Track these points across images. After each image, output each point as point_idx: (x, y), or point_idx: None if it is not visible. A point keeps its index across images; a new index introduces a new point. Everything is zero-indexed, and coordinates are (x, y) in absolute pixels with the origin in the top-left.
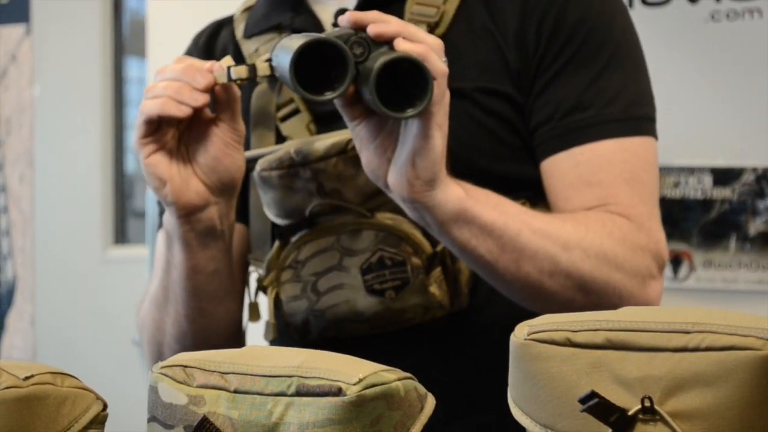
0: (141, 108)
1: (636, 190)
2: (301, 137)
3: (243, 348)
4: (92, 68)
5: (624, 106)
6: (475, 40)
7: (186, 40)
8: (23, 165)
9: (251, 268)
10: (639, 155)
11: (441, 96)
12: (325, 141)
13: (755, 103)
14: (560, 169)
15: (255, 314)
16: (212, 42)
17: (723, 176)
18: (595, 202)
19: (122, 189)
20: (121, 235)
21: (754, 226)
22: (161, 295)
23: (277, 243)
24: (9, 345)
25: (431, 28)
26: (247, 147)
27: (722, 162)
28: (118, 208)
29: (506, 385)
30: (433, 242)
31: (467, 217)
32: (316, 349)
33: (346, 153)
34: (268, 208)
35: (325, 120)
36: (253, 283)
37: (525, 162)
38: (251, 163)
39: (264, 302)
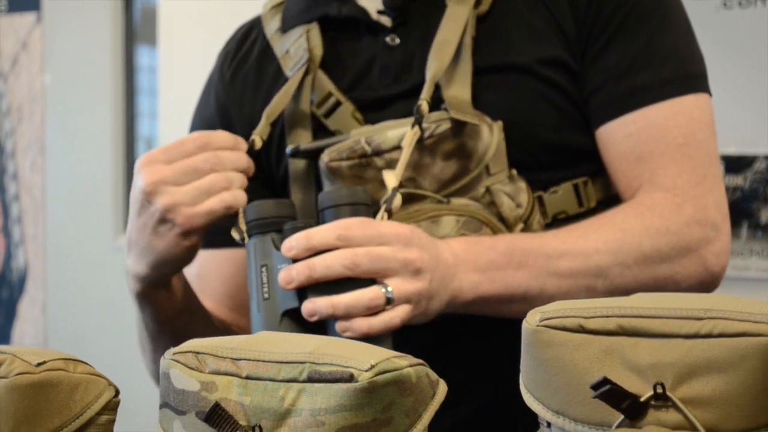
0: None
1: (686, 154)
2: (350, 128)
3: (255, 334)
4: (103, 56)
5: (676, 66)
6: (528, 11)
7: (197, 28)
8: (34, 153)
9: None
10: (693, 115)
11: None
12: (396, 130)
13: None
14: (613, 139)
15: None
16: (241, 46)
17: (735, 164)
18: (644, 176)
19: (133, 177)
20: None
21: (766, 214)
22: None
23: None
24: (20, 332)
25: (474, 5)
26: (281, 149)
27: (734, 150)
28: (128, 195)
29: (512, 364)
30: (507, 225)
31: (485, 300)
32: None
33: (422, 142)
34: None
35: (368, 107)
36: None
37: (585, 133)
38: (299, 156)
39: None
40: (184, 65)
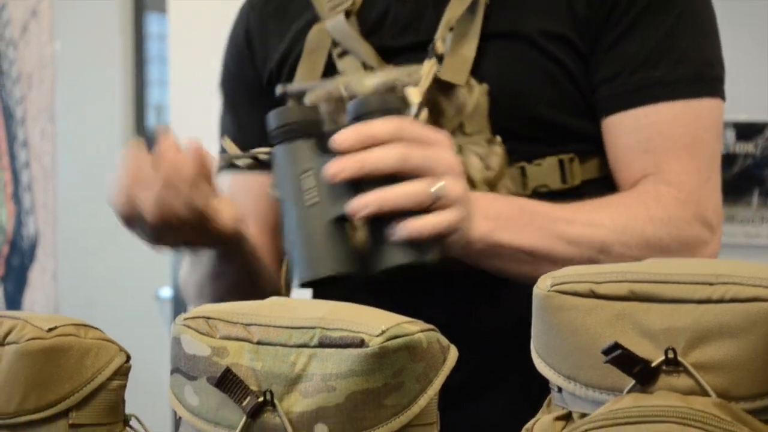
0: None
1: (693, 155)
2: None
3: (266, 299)
4: (113, 24)
5: (695, 67)
6: None
7: None
8: (44, 120)
9: None
10: (703, 117)
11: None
12: (374, 78)
13: None
14: (622, 129)
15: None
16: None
17: (746, 131)
18: (649, 169)
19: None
20: None
21: None
22: (207, 287)
23: None
24: (31, 300)
25: None
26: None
27: (745, 117)
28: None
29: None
30: (473, 185)
31: (495, 251)
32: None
33: (395, 91)
34: None
35: (383, 55)
36: None
37: (580, 114)
38: (286, 97)
39: None
40: (194, 32)
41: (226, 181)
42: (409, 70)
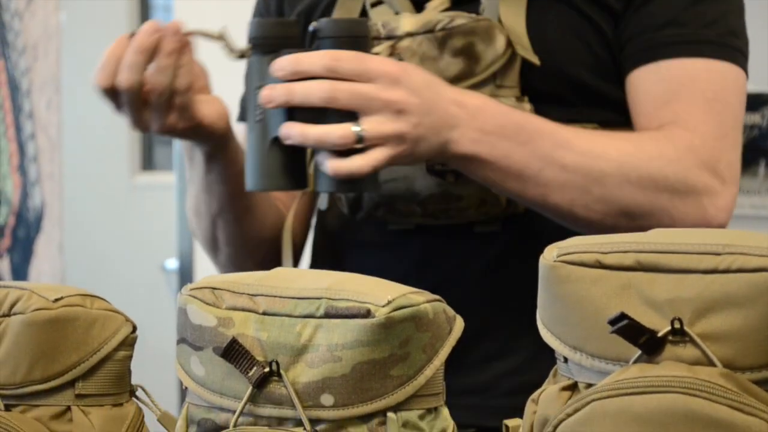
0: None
1: (714, 108)
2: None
3: (272, 270)
4: None
5: (721, 32)
6: None
7: None
8: (50, 91)
9: None
10: (728, 78)
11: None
12: (414, 19)
13: None
14: (645, 82)
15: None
16: None
17: (752, 102)
18: (669, 118)
19: None
20: (148, 162)
21: None
22: (204, 195)
23: None
24: (37, 271)
25: None
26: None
27: (751, 87)
28: (145, 134)
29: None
30: None
31: (480, 162)
32: (363, 241)
33: (434, 33)
34: None
35: (417, 6)
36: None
37: (610, 79)
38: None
39: None
40: (199, 3)
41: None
42: (453, 14)
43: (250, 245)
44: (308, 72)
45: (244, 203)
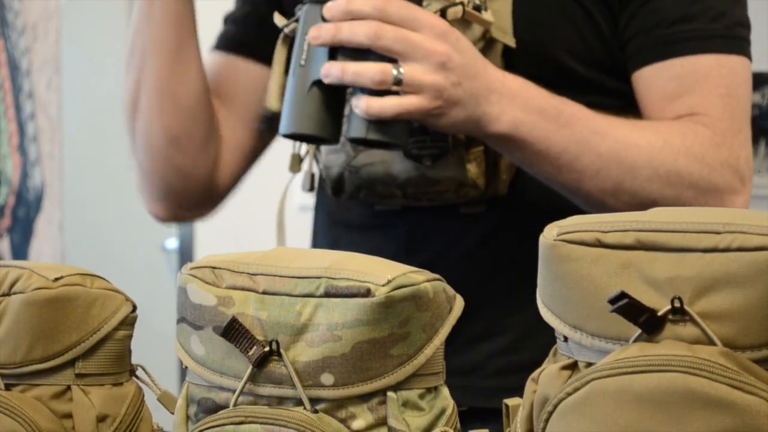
0: None
1: (728, 105)
2: None
3: (272, 249)
4: None
5: (729, 24)
6: None
7: None
8: (50, 71)
9: None
10: (737, 72)
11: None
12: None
13: None
14: (657, 79)
15: (296, 165)
16: None
17: (752, 81)
18: (685, 111)
19: None
20: None
21: None
22: (136, 40)
23: None
24: (37, 251)
25: None
26: None
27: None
28: None
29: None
30: None
31: (519, 142)
32: (353, 221)
33: (445, 16)
34: None
35: None
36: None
37: (601, 68)
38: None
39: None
40: None
41: (216, 62)
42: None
43: (162, 100)
44: (358, 12)
45: (168, 51)
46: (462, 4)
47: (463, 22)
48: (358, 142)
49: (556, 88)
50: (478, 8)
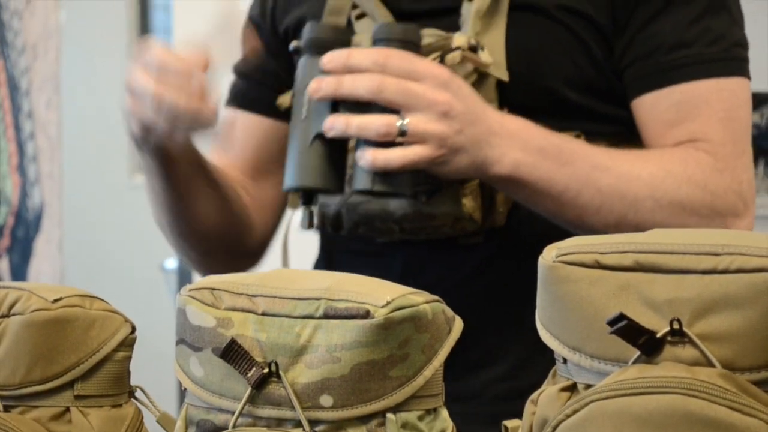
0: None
1: (729, 128)
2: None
3: (271, 271)
4: None
5: (727, 47)
6: None
7: None
8: (50, 91)
9: None
10: (737, 95)
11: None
12: None
13: None
14: (657, 106)
15: (295, 202)
16: None
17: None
18: (685, 138)
19: None
20: None
21: None
22: (149, 190)
23: None
24: (37, 271)
25: None
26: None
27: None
28: None
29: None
30: None
31: (521, 183)
32: (352, 247)
33: (443, 62)
34: None
35: (399, 19)
36: None
37: (594, 94)
38: (299, 52)
39: None
40: (198, 4)
41: (227, 119)
42: (423, 32)
43: (187, 237)
44: (358, 66)
45: (177, 202)
46: (459, 48)
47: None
48: (365, 194)
49: (551, 117)
50: (474, 48)
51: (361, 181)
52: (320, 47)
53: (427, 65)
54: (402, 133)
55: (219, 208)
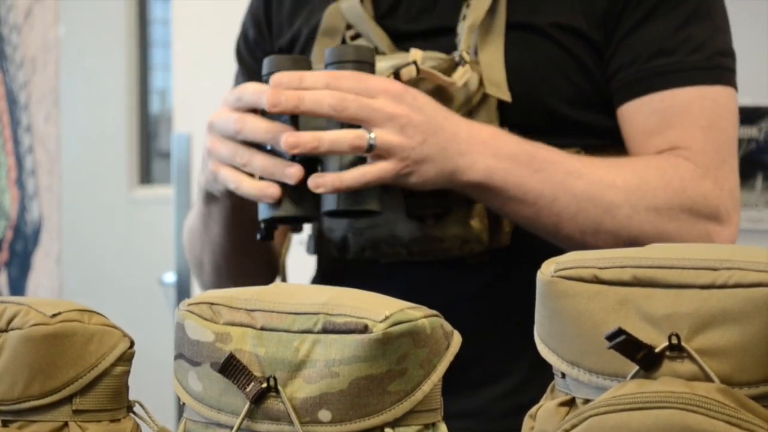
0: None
1: (710, 137)
2: None
3: (270, 285)
4: (117, 8)
5: (710, 55)
6: None
7: None
8: (49, 104)
9: None
10: (719, 103)
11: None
12: (387, 62)
13: None
14: (639, 114)
15: (298, 226)
16: None
17: (749, 115)
18: (666, 146)
19: (147, 129)
20: (146, 176)
21: None
22: (200, 225)
23: None
24: (35, 284)
25: None
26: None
27: (749, 100)
28: (143, 148)
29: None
30: None
31: (495, 190)
32: (356, 271)
33: (399, 77)
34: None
35: (396, 40)
36: None
37: (591, 108)
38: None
39: None
40: (197, 17)
41: None
42: (424, 55)
43: (234, 278)
44: (311, 87)
45: (234, 248)
46: (415, 63)
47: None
48: (335, 215)
49: (551, 135)
50: (456, 65)
51: (328, 203)
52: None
53: (379, 81)
54: (370, 147)
55: (269, 252)
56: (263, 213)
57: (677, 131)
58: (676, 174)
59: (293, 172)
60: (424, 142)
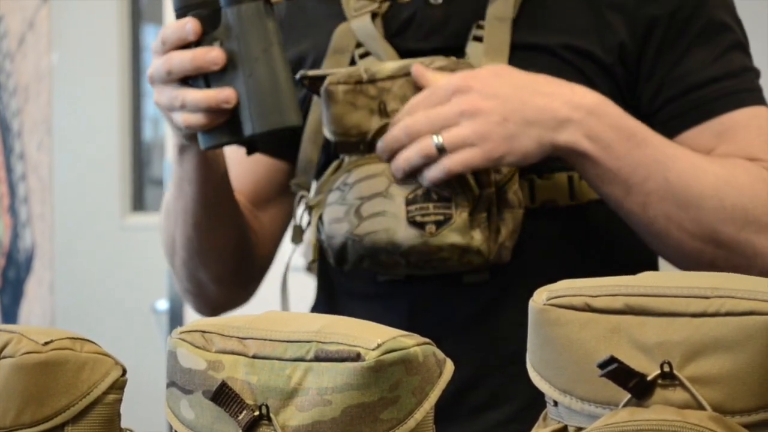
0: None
1: None
2: None
3: (262, 313)
4: (110, 35)
5: (749, 80)
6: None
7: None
8: (41, 132)
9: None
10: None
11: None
12: (396, 63)
13: None
14: (700, 139)
15: (298, 237)
16: None
17: None
18: (734, 154)
19: (140, 157)
20: (139, 203)
21: None
22: (175, 192)
23: (333, 165)
24: (27, 312)
25: None
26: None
27: None
28: (136, 175)
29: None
30: (481, 184)
31: (592, 160)
32: (354, 288)
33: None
34: (327, 124)
35: (405, 58)
36: (299, 207)
37: None
38: (317, 82)
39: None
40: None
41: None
42: (433, 57)
43: (204, 256)
44: (417, 132)
45: (205, 212)
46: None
47: None
48: (257, 139)
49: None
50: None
51: (246, 128)
52: None
53: (444, 83)
54: (441, 149)
55: (238, 226)
56: (273, 123)
57: (744, 144)
58: (759, 179)
59: (228, 94)
60: (504, 121)
